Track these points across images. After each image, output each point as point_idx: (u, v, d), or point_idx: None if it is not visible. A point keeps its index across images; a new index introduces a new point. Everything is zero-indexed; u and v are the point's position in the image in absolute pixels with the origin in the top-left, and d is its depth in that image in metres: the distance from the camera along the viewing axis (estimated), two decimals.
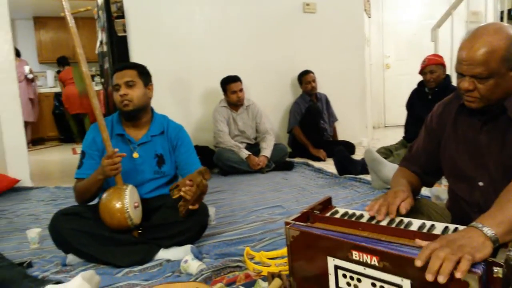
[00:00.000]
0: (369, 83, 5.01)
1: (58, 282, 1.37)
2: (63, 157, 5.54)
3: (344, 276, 1.09)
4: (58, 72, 6.95)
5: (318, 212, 1.38)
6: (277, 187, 2.91)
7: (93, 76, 7.90)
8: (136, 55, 3.70)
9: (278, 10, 4.28)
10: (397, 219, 1.16)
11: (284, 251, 1.65)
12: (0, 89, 3.34)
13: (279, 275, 1.36)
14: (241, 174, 3.39)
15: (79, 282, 1.29)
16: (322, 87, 4.35)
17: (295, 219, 1.30)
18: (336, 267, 1.12)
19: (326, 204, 1.46)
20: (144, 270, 1.60)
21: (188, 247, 1.69)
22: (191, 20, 3.95)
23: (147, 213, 1.80)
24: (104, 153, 1.80)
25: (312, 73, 4.14)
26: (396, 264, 0.94)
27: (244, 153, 3.44)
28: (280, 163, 3.54)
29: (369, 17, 5.10)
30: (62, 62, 6.87)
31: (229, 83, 3.60)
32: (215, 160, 3.45)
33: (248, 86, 3.90)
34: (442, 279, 0.81)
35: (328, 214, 1.38)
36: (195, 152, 2.00)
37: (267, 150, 3.51)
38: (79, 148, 6.07)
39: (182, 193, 1.64)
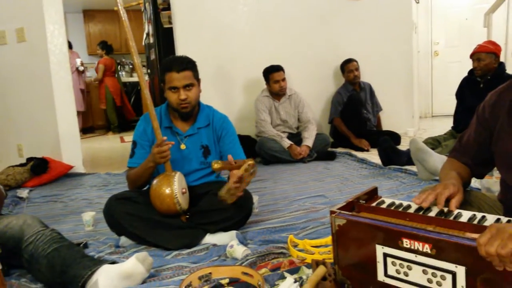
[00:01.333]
0: (416, 71, 4.85)
1: (113, 262, 1.46)
2: (111, 145, 5.79)
3: (394, 264, 1.09)
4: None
5: (364, 201, 1.38)
6: (319, 177, 2.91)
7: None
8: (181, 46, 3.79)
9: None
10: (446, 210, 1.14)
11: (327, 239, 1.66)
12: (55, 80, 3.53)
13: (323, 263, 1.38)
14: (282, 163, 3.42)
15: (133, 263, 1.37)
16: (367, 76, 4.26)
17: (340, 208, 1.31)
18: (385, 255, 1.12)
19: (372, 194, 1.45)
20: (192, 253, 1.67)
21: (233, 232, 1.74)
22: (234, 11, 3.98)
23: (193, 199, 1.87)
24: (154, 142, 1.88)
25: (356, 61, 4.07)
26: (451, 250, 0.94)
27: (286, 143, 3.45)
28: (322, 153, 3.53)
29: (417, 2, 4.91)
30: (107, 48, 6.95)
31: (272, 72, 3.61)
32: (257, 150, 3.49)
33: (291, 76, 3.89)
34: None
35: (374, 204, 1.37)
36: (239, 142, 2.04)
37: (309, 139, 3.51)
38: (126, 137, 6.33)
39: (232, 183, 1.65)
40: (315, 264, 1.41)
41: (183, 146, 1.95)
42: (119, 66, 8.00)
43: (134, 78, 7.82)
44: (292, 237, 1.68)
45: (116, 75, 7.16)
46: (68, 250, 1.45)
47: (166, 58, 1.95)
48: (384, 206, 1.37)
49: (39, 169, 3.24)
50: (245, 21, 4.01)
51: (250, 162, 1.67)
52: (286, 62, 3.80)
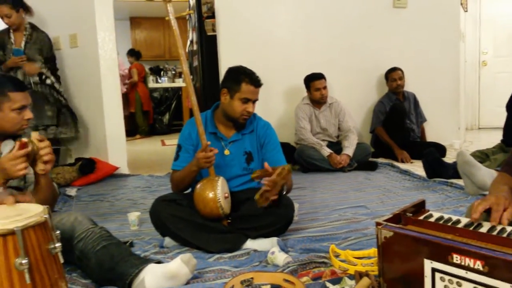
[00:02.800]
0: (462, 81, 4.69)
1: (159, 262, 1.50)
2: (153, 148, 5.96)
3: (442, 279, 1.07)
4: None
5: (411, 214, 1.35)
6: (360, 187, 2.87)
7: (180, 73, 8.39)
8: (224, 53, 3.87)
9: (366, 6, 4.18)
10: (499, 227, 1.10)
11: (370, 251, 1.63)
12: (104, 84, 3.69)
13: (367, 274, 1.36)
14: (321, 172, 3.39)
15: (178, 263, 1.41)
16: (411, 86, 4.16)
17: (386, 220, 1.29)
18: (434, 270, 1.09)
19: (419, 207, 1.42)
20: (233, 258, 1.69)
21: (274, 239, 1.75)
22: (276, 18, 4.01)
23: (235, 204, 1.89)
24: (198, 147, 1.93)
25: (400, 70, 3.99)
26: (505, 269, 0.90)
27: (326, 151, 3.43)
28: (362, 162, 3.47)
29: (466, 11, 4.76)
30: (136, 55, 7.14)
31: (313, 80, 3.61)
32: (296, 157, 3.49)
33: (332, 84, 3.87)
34: None
35: (422, 217, 1.34)
36: (281, 150, 2.05)
37: (349, 148, 3.46)
38: (166, 140, 6.50)
39: (264, 182, 1.68)
40: (359, 276, 1.40)
41: (227, 152, 1.99)
42: (161, 72, 8.27)
43: (176, 84, 8.03)
44: (333, 247, 1.67)
45: (144, 81, 7.36)
46: (116, 248, 1.51)
47: (239, 68, 1.98)
48: (432, 219, 1.34)
49: (87, 169, 3.39)
50: (287, 28, 4.04)
51: (285, 167, 1.69)
52: (327, 70, 3.78)
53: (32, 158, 1.53)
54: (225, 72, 2.05)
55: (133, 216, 2.19)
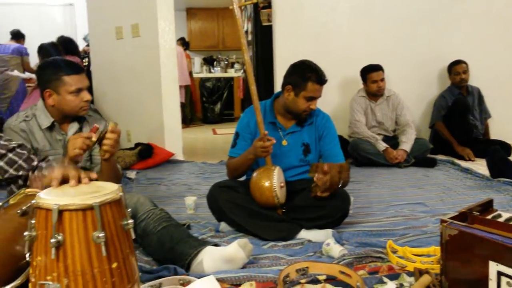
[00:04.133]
0: None
1: (216, 245, 1.55)
2: (205, 136, 6.11)
3: (509, 284, 1.02)
4: None
5: (478, 213, 1.29)
6: (418, 183, 2.77)
7: (233, 63, 8.50)
8: (279, 44, 3.86)
9: None
10: None
11: (430, 249, 1.59)
12: (163, 73, 3.81)
13: (427, 272, 1.32)
14: (376, 166, 3.31)
15: (235, 248, 1.44)
16: (475, 80, 3.93)
17: (452, 218, 1.25)
18: (500, 273, 1.04)
19: (487, 206, 1.36)
20: (288, 246, 1.70)
21: (329, 231, 1.74)
22: (334, 8, 3.93)
23: (290, 194, 1.91)
24: (255, 136, 1.95)
25: (465, 63, 3.77)
26: None
27: (382, 145, 3.34)
28: (420, 158, 3.34)
29: None
30: (186, 44, 7.18)
31: (370, 72, 3.51)
32: (349, 150, 3.42)
33: (390, 76, 3.75)
34: None
35: (489, 217, 1.28)
36: (339, 144, 2.03)
37: (406, 144, 3.35)
38: (218, 129, 6.63)
39: (314, 179, 1.69)
40: (419, 273, 1.36)
41: (284, 142, 1.99)
42: (214, 62, 8.41)
43: (228, 74, 8.14)
44: (391, 242, 1.63)
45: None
46: (175, 229, 1.58)
47: (305, 65, 1.97)
48: (501, 219, 1.28)
49: (145, 153, 3.54)
50: (344, 19, 3.95)
51: (343, 165, 1.68)
52: (385, 61, 3.66)
53: (99, 143, 1.62)
54: (289, 67, 2.03)
55: (190, 200, 2.26)
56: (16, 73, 4.85)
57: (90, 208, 0.92)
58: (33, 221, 0.92)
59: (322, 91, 1.98)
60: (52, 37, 4.67)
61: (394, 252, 1.58)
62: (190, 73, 7.36)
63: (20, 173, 1.23)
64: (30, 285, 0.91)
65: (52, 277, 0.88)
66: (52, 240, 0.87)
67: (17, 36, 5.42)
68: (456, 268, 1.19)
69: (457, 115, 3.64)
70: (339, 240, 1.69)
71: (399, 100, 3.58)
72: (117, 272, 0.94)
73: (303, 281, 1.38)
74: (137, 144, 3.75)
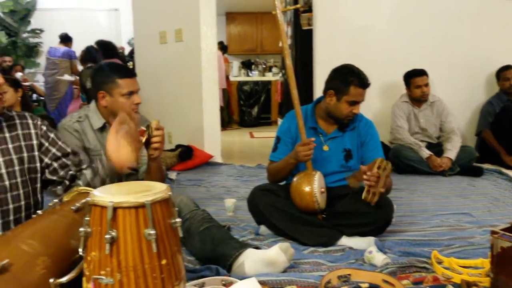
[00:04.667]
0: None
1: (257, 248, 1.56)
2: (242, 139, 6.16)
3: None
4: None
5: None
6: (463, 193, 2.67)
7: (270, 67, 8.53)
8: (320, 48, 3.84)
9: None
10: None
11: (478, 261, 1.52)
12: (204, 77, 3.88)
13: (475, 285, 1.27)
14: (419, 174, 3.21)
15: (277, 251, 1.45)
16: None
17: (503, 230, 1.20)
18: None
19: None
20: (328, 252, 1.69)
21: (371, 239, 1.72)
22: (376, 11, 3.86)
23: (330, 200, 1.89)
24: (296, 140, 1.95)
25: None
26: None
27: (425, 153, 3.24)
28: (466, 167, 3.22)
29: None
30: (225, 48, 7.24)
31: (414, 76, 3.42)
32: (391, 157, 3.34)
33: (434, 81, 3.63)
34: None
35: None
36: (382, 150, 2.00)
37: (451, 151, 3.23)
38: (255, 133, 6.66)
39: (365, 181, 1.66)
40: (466, 285, 1.32)
41: (325, 148, 1.98)
42: (252, 66, 8.47)
43: (266, 78, 8.18)
44: (436, 253, 1.58)
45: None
46: (217, 231, 1.60)
47: (347, 69, 1.95)
48: None
49: (186, 155, 3.62)
50: (386, 21, 3.86)
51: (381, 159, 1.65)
52: (430, 66, 3.55)
53: (147, 143, 1.68)
54: (330, 72, 2.02)
55: (230, 202, 2.29)
56: (66, 77, 5.10)
57: (142, 206, 0.95)
58: (87, 218, 0.96)
59: (365, 96, 1.95)
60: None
61: (440, 263, 1.53)
62: (228, 77, 7.45)
63: (68, 176, 1.30)
64: (84, 279, 0.96)
65: (106, 271, 0.92)
66: (107, 236, 0.91)
67: (65, 39, 5.70)
68: (507, 282, 1.14)
69: (505, 123, 3.47)
70: (382, 248, 1.65)
71: (444, 106, 3.47)
72: (166, 269, 0.97)
73: (344, 287, 1.37)
74: (177, 146, 3.84)
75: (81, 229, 0.96)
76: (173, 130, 4.19)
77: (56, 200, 1.17)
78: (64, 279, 0.96)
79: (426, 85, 3.40)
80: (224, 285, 1.35)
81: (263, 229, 1.90)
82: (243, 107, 7.91)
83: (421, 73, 3.41)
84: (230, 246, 1.53)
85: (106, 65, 1.86)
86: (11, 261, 0.88)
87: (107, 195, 0.95)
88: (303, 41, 4.30)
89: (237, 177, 3.28)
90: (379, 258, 1.53)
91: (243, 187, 2.90)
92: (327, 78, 2.01)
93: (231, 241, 1.56)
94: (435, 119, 3.46)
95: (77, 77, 5.13)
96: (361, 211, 1.75)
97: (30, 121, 1.23)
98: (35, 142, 1.22)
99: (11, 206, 1.15)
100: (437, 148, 3.36)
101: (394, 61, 3.80)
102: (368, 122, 2.03)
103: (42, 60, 7.43)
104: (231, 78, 7.92)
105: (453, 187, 2.83)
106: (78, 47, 5.85)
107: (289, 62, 1.92)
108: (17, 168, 1.17)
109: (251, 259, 1.46)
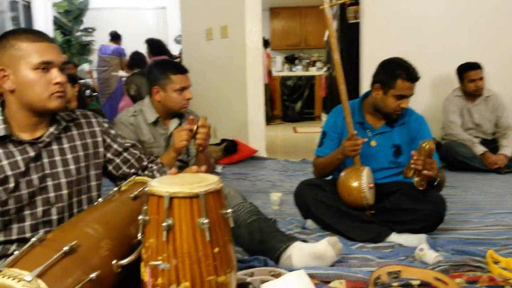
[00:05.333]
0: None
1: (304, 241, 1.57)
2: (285, 134, 6.16)
3: None
4: None
5: None
6: None
7: (314, 62, 8.44)
8: (367, 42, 3.75)
9: None
10: None
11: None
12: (249, 72, 3.91)
13: None
14: (472, 171, 3.07)
15: (325, 245, 1.45)
16: None
17: None
18: None
19: None
20: (377, 249, 1.67)
21: (422, 236, 1.67)
22: (428, 2, 3.72)
23: (379, 196, 1.85)
24: (343, 135, 1.93)
25: None
26: None
27: (479, 149, 3.09)
28: None
29: None
30: (266, 43, 7.01)
31: (468, 70, 3.27)
32: (442, 154, 3.21)
33: (489, 75, 3.45)
34: None
35: None
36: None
37: (508, 148, 3.06)
38: (298, 128, 6.64)
39: (412, 165, 1.62)
40: None
41: (373, 143, 1.94)
42: (296, 61, 8.43)
43: (309, 72, 8.12)
44: (492, 252, 1.51)
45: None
46: (265, 223, 1.62)
47: (394, 62, 1.91)
48: None
49: (231, 149, 3.68)
50: (438, 13, 3.70)
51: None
52: (484, 58, 3.37)
53: (193, 136, 1.74)
54: (378, 65, 1.98)
55: (275, 196, 2.31)
56: (121, 73, 5.32)
57: (196, 196, 0.99)
58: (145, 207, 1.01)
59: (414, 89, 1.89)
60: (144, 39, 5.01)
61: (496, 262, 1.46)
62: (270, 72, 7.45)
63: (132, 171, 1.36)
64: (142, 263, 1.01)
65: (163, 257, 0.97)
66: (164, 224, 0.96)
67: (115, 37, 5.96)
68: None
69: None
70: (433, 246, 1.61)
71: (500, 101, 3.29)
72: (219, 257, 1.00)
73: (395, 284, 1.34)
74: (222, 140, 3.91)
75: (140, 217, 1.01)
76: (218, 124, 4.26)
77: (115, 189, 1.24)
78: (125, 261, 1.01)
79: (481, 79, 3.24)
80: (272, 275, 1.37)
81: (309, 223, 1.90)
82: (286, 102, 7.90)
83: (475, 66, 3.25)
84: (277, 239, 1.55)
85: (161, 62, 1.95)
86: (78, 242, 0.94)
87: (163, 185, 1.00)
88: (349, 35, 4.22)
89: (282, 171, 3.30)
90: (430, 255, 1.49)
91: (288, 181, 2.91)
92: (375, 72, 1.97)
93: (278, 234, 1.58)
94: (490, 114, 3.29)
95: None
96: (411, 207, 1.71)
97: (93, 120, 1.30)
98: (99, 139, 1.29)
99: (74, 199, 1.22)
100: (492, 144, 3.20)
101: (446, 55, 3.65)
102: (418, 118, 1.97)
103: (94, 57, 7.81)
104: (274, 73, 7.92)
105: (509, 185, 2.69)
106: (127, 45, 6.10)
107: (337, 57, 1.89)
108: (83, 164, 1.24)
109: (298, 252, 1.47)
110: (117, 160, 1.32)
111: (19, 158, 1.12)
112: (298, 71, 8.25)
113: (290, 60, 8.49)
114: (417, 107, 3.70)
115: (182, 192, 0.98)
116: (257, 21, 3.93)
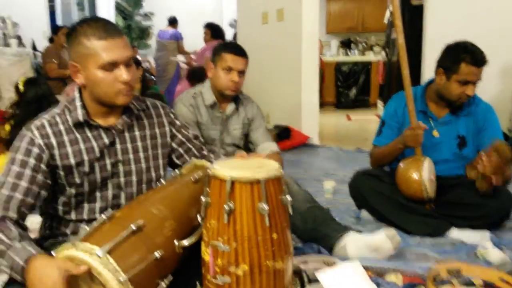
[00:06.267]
0: None
1: (359, 232, 1.55)
2: (338, 121, 6.04)
3: None
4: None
5: None
6: None
7: (372, 46, 8.14)
8: (431, 25, 3.55)
9: None
10: None
11: None
12: (304, 57, 3.86)
13: None
14: None
15: (382, 237, 1.42)
16: None
17: None
18: None
19: None
20: (436, 244, 1.61)
21: (486, 233, 1.59)
22: None
23: (440, 189, 1.77)
24: (403, 124, 1.86)
25: None
26: None
27: None
28: None
29: None
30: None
31: None
32: (510, 147, 3.01)
33: None
34: None
35: None
36: (503, 139, 1.81)
37: None
38: (352, 115, 6.48)
39: (479, 168, 1.53)
40: None
41: (435, 133, 1.85)
42: (352, 45, 8.17)
43: (366, 57, 7.85)
44: None
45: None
46: (319, 211, 1.61)
47: (459, 45, 1.80)
48: None
49: (283, 135, 3.68)
50: None
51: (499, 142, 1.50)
52: None
53: None
54: (443, 49, 1.87)
55: (329, 185, 2.28)
56: (179, 57, 5.45)
57: (257, 181, 1.00)
58: (208, 189, 1.04)
59: (480, 75, 1.76)
60: (200, 23, 5.07)
61: None
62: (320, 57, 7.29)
63: (193, 159, 1.39)
64: (202, 243, 1.04)
65: (223, 239, 0.99)
66: (225, 207, 0.98)
67: (173, 22, 6.10)
68: None
69: None
70: (498, 244, 1.52)
71: None
72: (277, 242, 1.01)
73: (454, 281, 1.29)
74: (275, 126, 3.91)
75: (202, 198, 1.04)
76: (271, 110, 4.27)
77: (177, 171, 1.28)
78: (186, 242, 1.06)
79: None
80: (325, 264, 1.37)
81: (364, 214, 1.87)
82: (340, 88, 7.70)
83: None
84: (332, 228, 1.54)
85: (225, 43, 1.95)
86: (144, 222, 0.99)
87: (226, 169, 1.02)
88: (411, 18, 4.02)
89: (335, 159, 3.26)
90: (495, 254, 1.42)
91: (341, 170, 2.87)
92: (439, 56, 1.87)
93: (333, 223, 1.57)
94: None
95: (191, 56, 5.38)
96: (475, 202, 1.62)
97: (161, 110, 1.34)
98: (166, 129, 1.33)
99: (143, 186, 1.28)
100: None
101: None
102: (486, 107, 1.85)
103: (152, 42, 8.06)
104: (328, 58, 7.75)
105: None
106: (184, 29, 6.23)
107: (401, 40, 1.81)
108: (152, 152, 1.29)
109: (354, 243, 1.45)
110: (180, 150, 1.37)
111: (94, 143, 1.18)
112: (354, 56, 8.01)
113: (346, 44, 8.25)
114: (484, 96, 3.48)
115: (244, 177, 0.99)
116: (314, 3, 3.85)
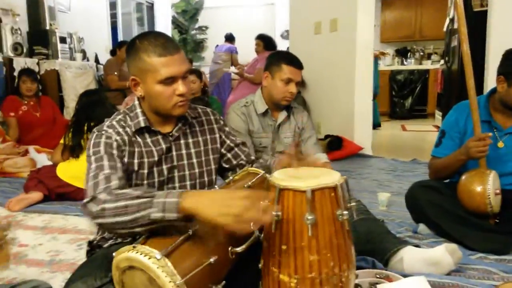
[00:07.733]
0: None
1: (417, 246, 1.48)
2: (393, 132, 5.85)
3: None
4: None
5: None
6: None
7: (429, 54, 7.84)
8: (495, 32, 3.36)
9: None
10: None
11: None
12: (358, 67, 3.79)
13: None
14: None
15: (442, 252, 1.35)
16: None
17: None
18: None
19: None
20: (501, 261, 1.51)
21: None
22: None
23: (506, 204, 1.66)
24: (465, 135, 1.77)
25: None
26: None
27: None
28: None
29: None
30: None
31: None
32: None
33: None
34: None
35: None
36: None
37: None
38: (408, 126, 6.25)
39: None
40: None
41: (500, 144, 1.74)
42: (409, 53, 7.92)
43: (423, 66, 7.58)
44: None
45: None
46: (373, 223, 1.57)
47: None
48: None
49: (335, 145, 3.62)
50: None
51: None
52: None
53: None
54: (502, 56, 1.76)
55: (383, 196, 2.21)
56: (232, 69, 5.68)
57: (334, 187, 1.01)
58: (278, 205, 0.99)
59: None
60: (253, 35, 5.15)
61: None
62: None
63: (241, 164, 1.42)
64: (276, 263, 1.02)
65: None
66: (307, 219, 0.95)
67: (230, 38, 6.45)
68: None
69: None
70: None
71: None
72: (343, 253, 1.00)
73: None
74: (326, 136, 3.86)
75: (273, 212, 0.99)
76: (322, 119, 4.23)
77: (230, 177, 1.31)
78: (239, 249, 1.07)
79: None
80: (378, 278, 1.32)
81: (422, 227, 1.79)
82: (395, 98, 7.48)
83: None
84: (387, 241, 1.48)
85: (280, 52, 2.01)
86: (199, 227, 1.01)
87: (294, 179, 1.01)
88: (473, 25, 3.82)
89: (389, 171, 3.15)
90: None
91: (396, 181, 2.77)
92: (500, 63, 1.76)
93: (388, 236, 1.51)
94: None
95: (243, 68, 5.55)
96: None
97: (212, 117, 1.40)
98: (217, 135, 1.38)
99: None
100: None
101: None
102: None
103: (206, 54, 8.32)
104: (383, 67, 7.55)
105: None
106: (236, 42, 6.41)
107: (466, 48, 1.72)
108: (204, 158, 1.33)
109: (410, 257, 1.39)
110: (229, 155, 1.40)
111: (153, 148, 1.24)
112: (410, 64, 7.75)
113: (402, 53, 8.01)
114: None
115: (322, 184, 0.99)
116: (369, 12, 3.79)
